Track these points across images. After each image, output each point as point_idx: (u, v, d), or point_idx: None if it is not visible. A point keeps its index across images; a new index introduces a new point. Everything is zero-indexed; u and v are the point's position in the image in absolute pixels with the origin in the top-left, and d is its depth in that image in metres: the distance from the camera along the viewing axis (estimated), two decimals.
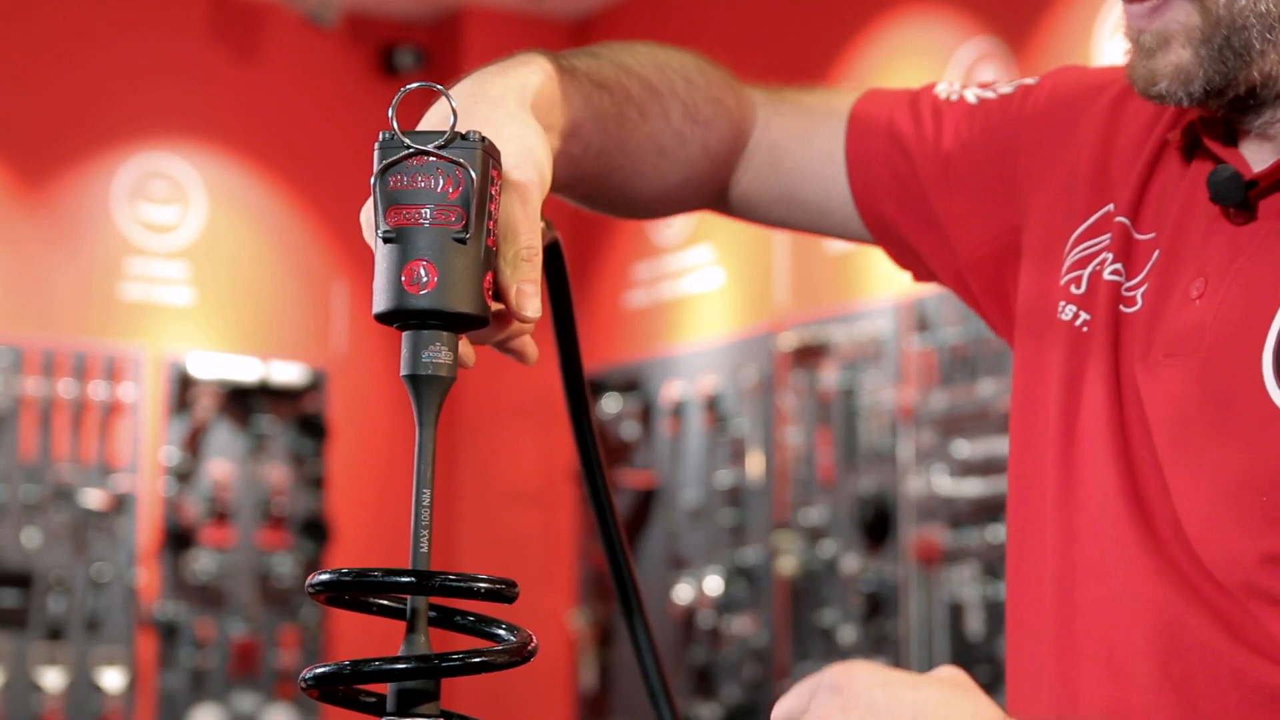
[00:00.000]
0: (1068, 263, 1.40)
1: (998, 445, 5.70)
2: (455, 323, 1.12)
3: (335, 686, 1.09)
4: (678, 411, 7.19)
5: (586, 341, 1.50)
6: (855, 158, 1.56)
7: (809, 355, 6.52)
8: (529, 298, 1.15)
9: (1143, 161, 1.39)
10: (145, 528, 7.21)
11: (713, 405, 6.99)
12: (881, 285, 6.28)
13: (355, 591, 1.11)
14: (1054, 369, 1.38)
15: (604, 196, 1.53)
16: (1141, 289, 1.34)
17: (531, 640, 1.10)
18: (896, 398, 6.10)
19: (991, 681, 5.67)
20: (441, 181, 1.10)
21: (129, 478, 7.18)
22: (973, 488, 5.78)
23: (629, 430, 7.33)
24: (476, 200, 1.10)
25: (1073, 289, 1.39)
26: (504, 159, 1.16)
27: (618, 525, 1.42)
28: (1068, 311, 1.38)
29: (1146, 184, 1.39)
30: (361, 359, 7.71)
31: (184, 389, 7.32)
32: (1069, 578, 1.33)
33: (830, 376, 6.40)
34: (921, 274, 1.60)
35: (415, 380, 1.12)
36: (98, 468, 7.15)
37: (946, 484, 5.88)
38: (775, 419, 6.65)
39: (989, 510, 5.73)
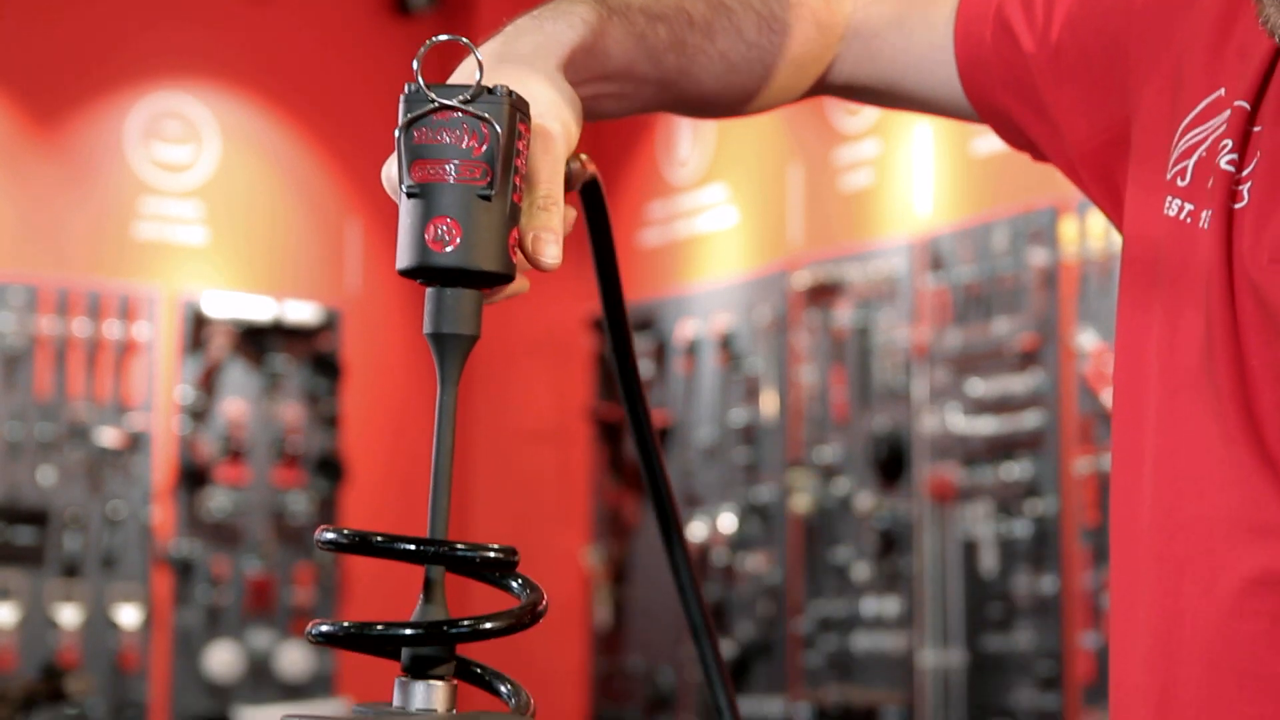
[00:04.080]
0: (1175, 154, 1.33)
1: (1011, 383, 5.70)
2: (479, 280, 1.11)
3: (339, 646, 1.09)
4: (692, 350, 7.19)
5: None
6: (964, 46, 1.51)
7: (823, 294, 6.51)
8: (545, 244, 1.14)
9: (1264, 49, 1.30)
10: (160, 466, 7.23)
11: (727, 344, 6.98)
12: (896, 224, 6.27)
13: (362, 554, 1.09)
14: (1160, 270, 1.31)
15: (684, 111, 1.51)
16: (1248, 184, 1.26)
17: (542, 600, 1.09)
18: (910, 336, 6.10)
19: (1005, 618, 5.68)
20: (467, 137, 1.08)
21: (144, 416, 7.20)
22: (986, 425, 5.78)
23: (643, 369, 7.31)
24: (502, 156, 1.09)
25: (1178, 181, 1.31)
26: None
27: (661, 463, 1.41)
28: (1173, 206, 1.31)
29: (1269, 72, 1.30)
30: (376, 298, 7.70)
31: (198, 328, 7.33)
32: (1169, 495, 1.27)
33: (844, 315, 6.39)
34: (1037, 156, 1.54)
35: (439, 339, 1.11)
36: (112, 406, 7.16)
37: (960, 422, 5.88)
38: (789, 357, 6.65)
39: (1003, 448, 5.73)
